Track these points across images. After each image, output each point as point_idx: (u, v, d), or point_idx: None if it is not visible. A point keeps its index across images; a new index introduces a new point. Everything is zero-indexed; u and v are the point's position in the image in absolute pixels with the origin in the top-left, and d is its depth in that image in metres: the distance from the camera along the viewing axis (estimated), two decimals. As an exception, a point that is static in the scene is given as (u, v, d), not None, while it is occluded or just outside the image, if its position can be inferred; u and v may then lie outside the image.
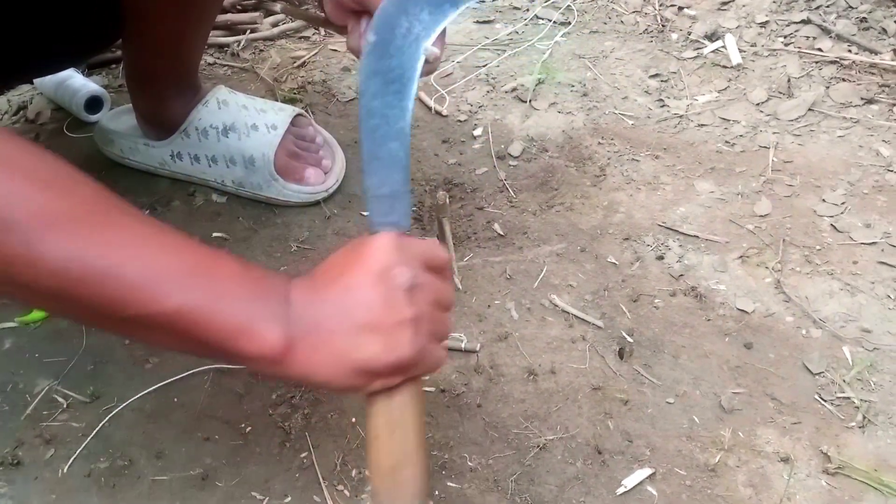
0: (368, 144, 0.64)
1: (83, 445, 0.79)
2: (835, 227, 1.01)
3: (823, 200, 1.04)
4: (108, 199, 0.52)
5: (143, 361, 0.87)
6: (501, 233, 1.01)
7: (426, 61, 0.66)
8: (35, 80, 1.18)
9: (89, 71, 1.24)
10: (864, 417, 0.82)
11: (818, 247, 0.99)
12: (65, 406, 0.83)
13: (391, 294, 0.55)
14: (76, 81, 1.15)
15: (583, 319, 0.91)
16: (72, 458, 0.78)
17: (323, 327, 0.55)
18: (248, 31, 1.33)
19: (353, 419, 0.82)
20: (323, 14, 0.78)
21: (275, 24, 1.35)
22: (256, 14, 1.36)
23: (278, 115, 1.03)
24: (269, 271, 0.58)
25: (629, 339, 0.89)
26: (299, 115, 1.05)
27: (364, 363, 0.55)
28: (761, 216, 1.02)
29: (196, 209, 1.03)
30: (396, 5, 0.65)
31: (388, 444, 0.59)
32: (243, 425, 0.81)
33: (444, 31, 0.69)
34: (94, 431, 0.80)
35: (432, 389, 0.85)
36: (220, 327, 0.52)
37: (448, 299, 0.61)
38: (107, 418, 0.81)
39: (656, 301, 0.93)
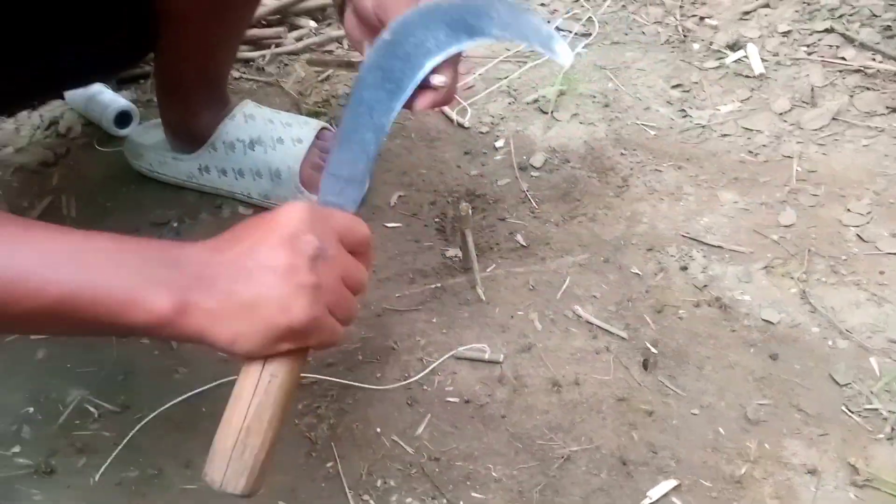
0: (345, 127, 0.67)
1: (114, 454, 0.80)
2: (860, 237, 1.00)
3: (848, 210, 1.03)
4: None
5: (173, 371, 0.88)
6: (524, 244, 1.01)
7: (432, 87, 0.69)
8: (66, 96, 1.21)
9: (119, 86, 1.27)
10: (893, 429, 0.81)
11: (844, 257, 0.98)
12: (96, 416, 0.84)
13: (294, 259, 0.55)
14: (106, 97, 1.18)
15: (607, 330, 0.91)
16: (103, 467, 0.80)
17: (220, 287, 0.55)
18: (273, 46, 1.35)
19: (378, 429, 0.83)
20: (346, 60, 0.81)
21: (299, 39, 1.37)
22: (281, 29, 1.37)
23: (303, 129, 1.04)
24: (154, 240, 0.58)
25: (653, 350, 0.89)
26: (324, 128, 1.07)
27: (256, 324, 0.55)
28: (786, 226, 1.02)
29: (223, 221, 1.05)
30: (419, 17, 0.68)
31: (245, 406, 0.58)
32: (270, 435, 0.82)
33: (455, 63, 0.71)
34: (125, 441, 0.82)
35: (456, 400, 0.85)
36: (105, 305, 0.53)
37: (357, 279, 0.61)
38: (136, 427, 0.82)
39: (680, 312, 0.93)
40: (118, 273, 0.54)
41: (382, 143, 0.68)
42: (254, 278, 0.55)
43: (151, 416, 0.83)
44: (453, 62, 0.71)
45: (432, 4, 0.71)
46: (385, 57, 0.67)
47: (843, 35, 1.28)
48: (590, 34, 1.36)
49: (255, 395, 0.58)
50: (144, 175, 1.10)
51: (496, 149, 1.15)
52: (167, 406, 0.84)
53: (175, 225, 1.05)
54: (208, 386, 0.86)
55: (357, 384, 0.86)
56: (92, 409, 0.85)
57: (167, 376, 0.88)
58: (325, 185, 0.66)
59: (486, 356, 0.89)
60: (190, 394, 0.85)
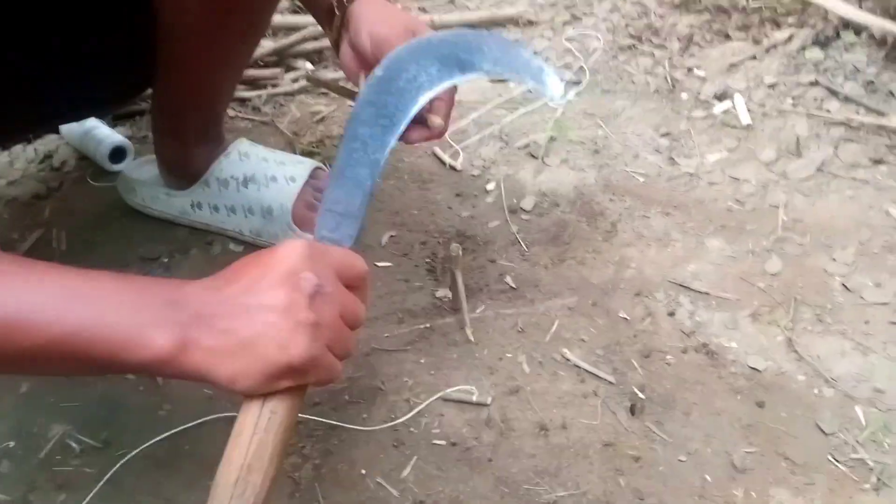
0: (340, 163, 0.68)
1: (94, 491, 0.79)
2: (846, 287, 1.01)
3: (834, 259, 1.05)
4: None
5: (157, 408, 0.87)
6: (514, 286, 1.02)
7: (427, 126, 0.70)
8: (61, 130, 1.22)
9: (114, 122, 1.28)
10: (879, 479, 0.81)
11: (829, 306, 0.99)
12: (78, 451, 0.83)
13: (293, 297, 0.55)
14: (101, 131, 1.19)
15: (594, 374, 0.91)
16: (83, 504, 0.78)
17: (220, 325, 0.55)
18: (269, 87, 1.37)
19: (363, 471, 0.82)
20: (343, 85, 0.82)
21: (295, 80, 1.38)
22: (278, 70, 1.40)
23: (297, 168, 1.05)
24: (154, 278, 0.59)
25: (641, 395, 0.89)
26: (318, 168, 1.08)
27: (256, 362, 0.55)
28: (772, 274, 1.03)
29: (213, 258, 1.05)
30: (410, 52, 0.69)
31: (246, 443, 0.58)
32: (254, 475, 0.81)
33: (449, 98, 0.73)
34: (106, 477, 0.80)
35: (443, 442, 0.85)
36: (106, 344, 0.52)
37: (355, 315, 0.61)
38: (118, 464, 0.81)
39: (668, 357, 0.93)
40: (118, 312, 0.54)
41: (378, 178, 0.68)
42: (253, 316, 0.55)
43: (133, 453, 0.82)
44: (447, 97, 0.73)
45: (424, 40, 0.72)
46: (378, 93, 0.68)
47: (827, 88, 1.31)
48: (580, 82, 1.39)
49: (255, 433, 0.58)
50: (137, 210, 1.11)
51: (487, 191, 1.16)
52: (150, 443, 0.83)
53: (165, 260, 1.05)
54: (192, 424, 0.85)
55: (343, 424, 0.86)
56: (74, 444, 0.84)
57: (151, 413, 0.87)
58: (322, 221, 0.67)
59: (474, 398, 0.89)
60: (173, 431, 0.85)
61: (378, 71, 0.68)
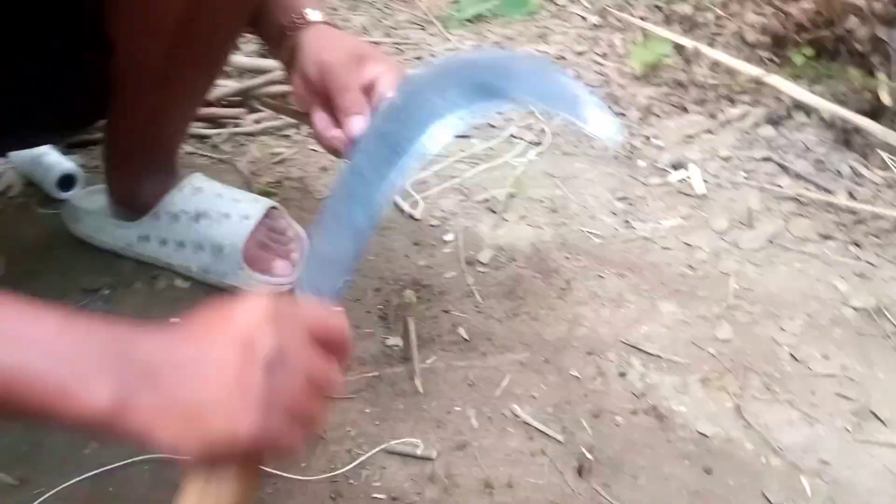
0: (335, 201, 0.60)
1: (3, 534, 0.74)
2: (794, 357, 1.02)
3: (783, 329, 1.06)
4: None
5: (82, 447, 0.82)
6: (466, 337, 1.00)
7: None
8: (10, 155, 1.18)
9: (68, 149, 1.25)
10: (824, 552, 0.80)
11: (778, 374, 0.99)
12: (-11, 489, 0.77)
13: (247, 365, 0.49)
14: (51, 158, 1.15)
15: (543, 432, 0.89)
16: (-12, 548, 0.72)
17: (165, 388, 0.49)
18: (231, 126, 1.35)
19: (299, 523, 0.78)
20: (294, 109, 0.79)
21: (258, 122, 1.38)
22: (241, 110, 1.39)
23: (252, 206, 1.03)
24: (105, 322, 0.52)
25: (589, 456, 0.87)
26: (274, 208, 1.06)
27: (199, 431, 0.49)
28: (722, 340, 1.04)
29: (157, 293, 1.01)
30: (429, 79, 0.63)
31: None
32: (180, 522, 0.76)
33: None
34: (17, 519, 0.75)
35: (384, 497, 0.81)
36: (39, 392, 0.47)
37: (327, 381, 0.55)
38: (33, 505, 0.76)
39: (617, 418, 0.92)
40: (58, 359, 0.48)
41: (376, 223, 0.61)
42: (200, 381, 0.50)
43: (50, 493, 0.77)
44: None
45: (450, 63, 0.64)
46: (388, 121, 0.61)
47: (779, 164, 1.36)
48: (541, 143, 1.41)
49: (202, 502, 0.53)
50: (82, 241, 1.07)
51: (445, 242, 1.16)
52: (70, 483, 0.78)
53: (106, 293, 1.01)
54: (118, 464, 0.80)
55: (279, 473, 0.82)
56: (-14, 481, 0.78)
57: (76, 451, 0.82)
58: (307, 267, 0.60)
59: (419, 452, 0.86)
60: (97, 471, 0.79)
61: (395, 97, 0.61)
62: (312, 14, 0.83)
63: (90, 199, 1.08)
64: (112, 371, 0.49)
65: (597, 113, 0.56)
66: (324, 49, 0.78)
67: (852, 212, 1.27)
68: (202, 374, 0.50)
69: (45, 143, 1.12)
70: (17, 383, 0.47)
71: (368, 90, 0.74)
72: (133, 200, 1.03)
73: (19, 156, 1.17)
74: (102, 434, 0.50)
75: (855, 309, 1.10)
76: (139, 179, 1.02)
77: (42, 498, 0.77)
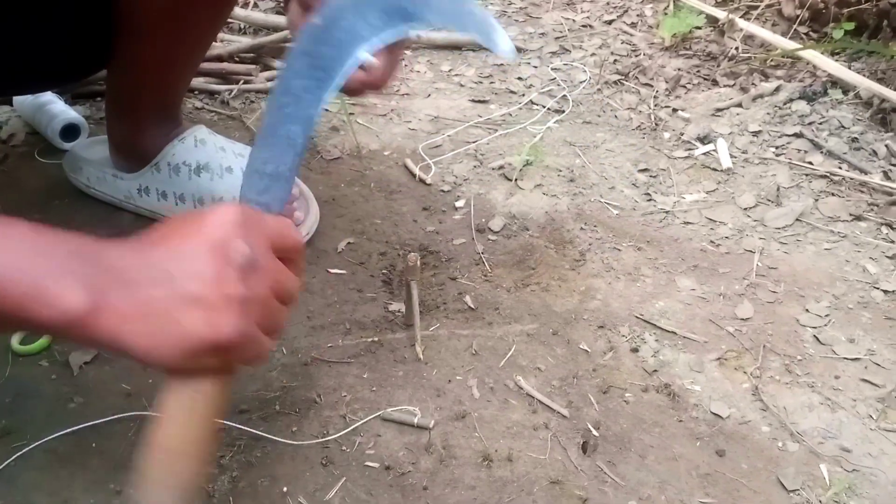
0: (271, 120, 0.62)
1: (-19, 484, 0.71)
2: (817, 339, 0.97)
3: (807, 311, 1.00)
4: None
5: (67, 400, 0.80)
6: (472, 306, 0.96)
7: (362, 68, 0.64)
8: (14, 102, 1.15)
9: (73, 100, 1.22)
10: (841, 544, 0.75)
11: (799, 357, 0.94)
12: (-30, 439, 0.75)
13: (223, 269, 0.50)
14: (56, 107, 1.12)
15: (547, 406, 0.85)
16: (-35, 498, 0.70)
17: (140, 291, 0.49)
18: (242, 82, 1.32)
19: (286, 488, 0.75)
20: None
21: (270, 79, 1.34)
22: (253, 67, 1.35)
23: (256, 162, 0.99)
24: (73, 233, 0.51)
25: (595, 432, 0.83)
26: (278, 164, 1.02)
27: (179, 336, 0.49)
28: (742, 319, 0.98)
29: (156, 248, 0.98)
30: (351, 1, 0.63)
31: (172, 426, 0.53)
32: (163, 481, 0.73)
33: (393, 49, 0.67)
34: (-3, 470, 0.72)
35: (376, 465, 0.78)
36: (12, 293, 0.46)
37: (289, 290, 0.56)
38: (13, 457, 0.73)
39: (627, 395, 0.88)
40: (30, 262, 0.47)
41: (310, 136, 0.63)
42: (177, 284, 0.49)
43: (33, 445, 0.74)
44: (390, 48, 0.67)
45: None
46: (314, 42, 0.62)
47: (811, 141, 1.29)
48: (563, 111, 1.35)
49: (180, 415, 0.53)
50: (82, 191, 1.04)
51: (456, 208, 1.11)
52: (53, 436, 0.75)
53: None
54: (103, 420, 0.78)
55: (269, 436, 0.79)
56: (-33, 431, 0.76)
57: (60, 404, 0.79)
58: (249, 182, 0.61)
59: (416, 420, 0.82)
60: (82, 426, 0.77)
61: (316, 19, 0.62)
62: None
63: (92, 150, 1.05)
64: (85, 274, 0.48)
65: (503, 36, 0.61)
66: None
67: (887, 193, 1.20)
68: (178, 274, 0.50)
69: (44, 89, 1.09)
70: None
71: None
72: (134, 149, 0.99)
73: (24, 104, 1.15)
74: (76, 337, 0.49)
75: (885, 292, 1.04)
76: (141, 127, 0.98)
77: (25, 449, 0.74)
